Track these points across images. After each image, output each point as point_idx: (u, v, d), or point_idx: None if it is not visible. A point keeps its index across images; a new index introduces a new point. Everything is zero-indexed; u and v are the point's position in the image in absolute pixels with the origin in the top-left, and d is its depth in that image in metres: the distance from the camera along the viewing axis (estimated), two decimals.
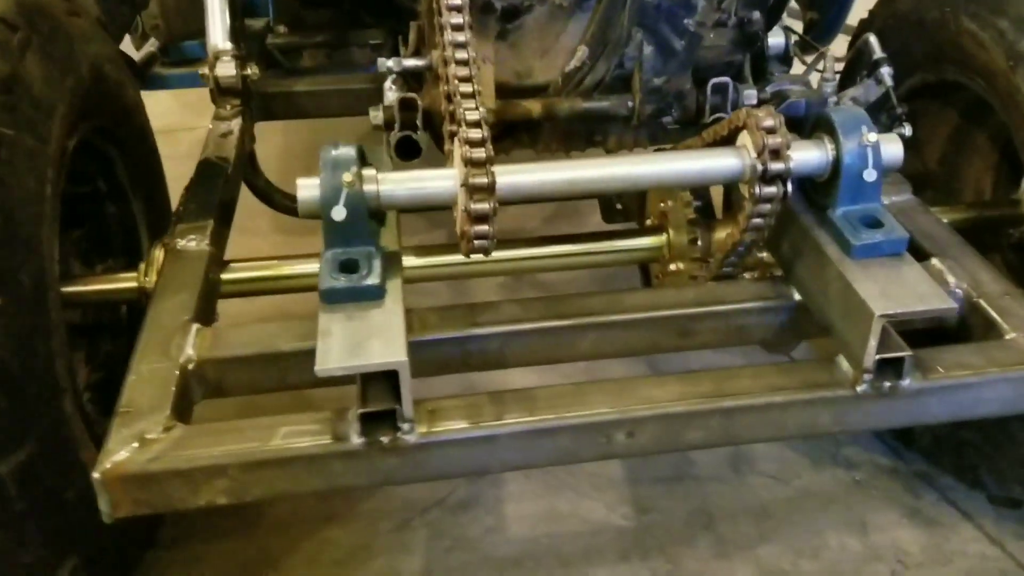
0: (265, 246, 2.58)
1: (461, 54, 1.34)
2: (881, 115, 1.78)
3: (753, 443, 1.37)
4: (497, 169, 1.25)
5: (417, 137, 1.57)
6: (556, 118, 1.63)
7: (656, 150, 1.64)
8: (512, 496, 2.10)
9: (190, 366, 1.29)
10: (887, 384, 1.24)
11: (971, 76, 1.77)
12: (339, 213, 1.21)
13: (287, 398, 1.49)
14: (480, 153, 1.22)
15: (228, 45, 2.04)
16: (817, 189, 1.37)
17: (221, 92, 2.03)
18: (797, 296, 1.45)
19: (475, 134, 1.23)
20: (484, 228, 1.23)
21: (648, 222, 1.94)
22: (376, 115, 1.57)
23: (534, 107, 1.61)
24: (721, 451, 2.25)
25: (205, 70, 2.04)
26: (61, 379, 1.29)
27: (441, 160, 1.57)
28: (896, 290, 1.22)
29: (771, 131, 1.30)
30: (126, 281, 1.57)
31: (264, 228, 2.88)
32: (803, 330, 1.46)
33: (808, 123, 1.41)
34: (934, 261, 1.52)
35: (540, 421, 1.20)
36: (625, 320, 1.41)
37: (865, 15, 2.11)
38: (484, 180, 1.21)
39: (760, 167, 1.28)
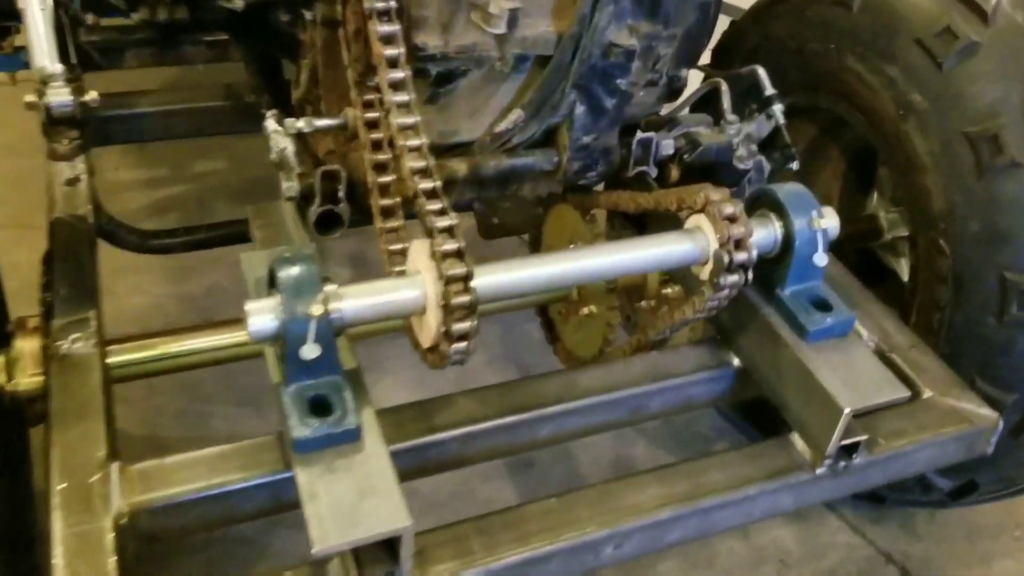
0: None
1: (413, 141, 1.21)
2: (773, 152, 1.83)
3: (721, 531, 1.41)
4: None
5: (340, 209, 1.42)
6: (480, 176, 1.53)
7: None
8: None
9: (123, 521, 1.11)
10: (842, 464, 1.31)
11: (850, 111, 1.85)
12: (311, 351, 1.07)
13: None
14: (460, 268, 1.12)
15: (59, 67, 1.73)
16: (763, 265, 1.39)
17: (54, 123, 1.73)
18: (737, 362, 1.48)
19: (451, 245, 1.13)
20: (463, 345, 1.15)
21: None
22: (290, 186, 1.40)
23: (459, 167, 1.50)
24: (604, 458, 2.32)
25: (32, 98, 1.72)
26: None
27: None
28: (855, 379, 1.28)
29: (733, 219, 1.29)
30: None
31: None
32: (745, 393, 1.50)
33: (750, 196, 1.42)
34: None
35: (532, 549, 1.15)
36: (580, 407, 1.38)
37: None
38: (466, 298, 1.12)
39: (725, 257, 1.28)
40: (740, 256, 1.28)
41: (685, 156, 1.67)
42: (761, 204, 1.39)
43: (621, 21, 1.38)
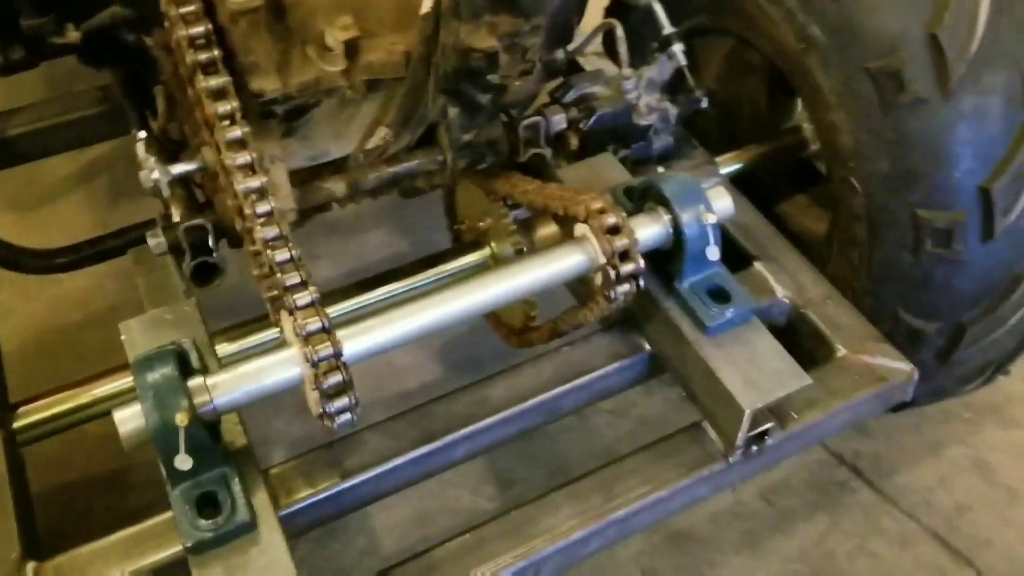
0: None
1: (262, 207, 1.15)
2: (678, 95, 1.75)
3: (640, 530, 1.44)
4: (340, 332, 1.13)
5: (215, 259, 1.36)
6: (361, 190, 1.47)
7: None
8: (378, 510, 2.09)
9: None
10: (755, 448, 1.31)
11: (756, 38, 1.74)
12: (184, 462, 1.05)
13: None
14: (327, 348, 1.08)
15: None
16: (658, 257, 1.34)
17: None
18: (647, 346, 1.46)
19: (314, 324, 1.08)
20: (345, 401, 1.12)
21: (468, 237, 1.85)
22: (158, 243, 1.34)
23: (337, 187, 1.43)
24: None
25: None
26: None
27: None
28: (756, 373, 1.26)
29: (615, 231, 1.24)
30: None
31: None
32: (657, 373, 1.49)
33: (640, 187, 1.36)
34: (757, 266, 1.57)
35: None
36: (494, 423, 1.37)
37: None
38: (338, 379, 1.09)
39: (613, 273, 1.24)
40: (627, 268, 1.24)
41: (581, 125, 1.59)
42: (650, 197, 1.33)
43: (478, 21, 1.27)
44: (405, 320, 1.19)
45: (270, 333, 1.51)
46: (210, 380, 1.10)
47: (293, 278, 1.11)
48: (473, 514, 2.14)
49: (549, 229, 1.75)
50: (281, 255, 1.13)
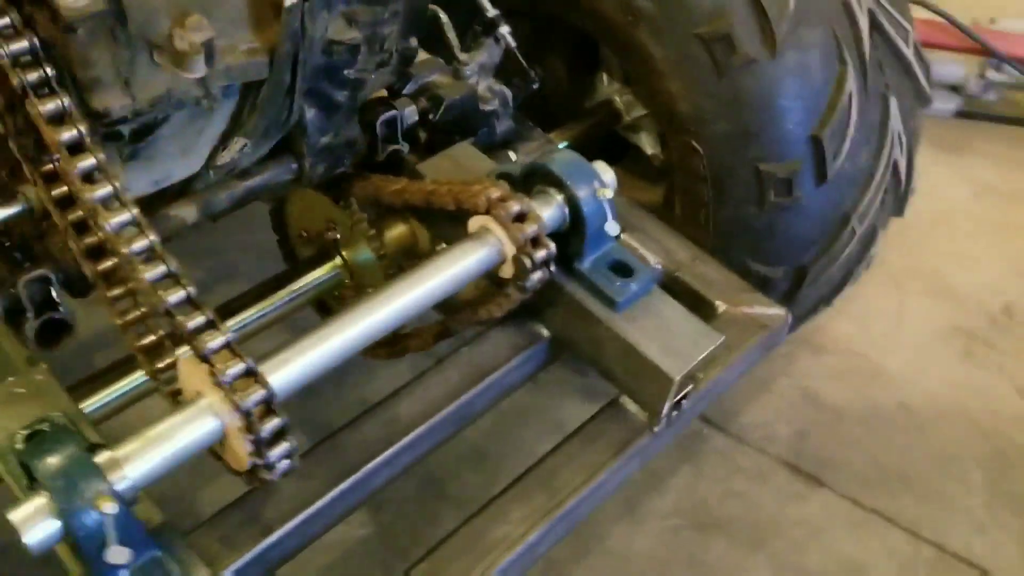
0: None
1: (139, 243, 0.98)
2: (512, 77, 1.73)
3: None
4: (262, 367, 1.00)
5: (62, 314, 1.15)
6: (214, 211, 1.31)
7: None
8: None
9: None
10: (675, 413, 1.33)
11: (578, 17, 1.76)
12: (119, 555, 0.87)
13: None
14: (257, 391, 0.94)
15: None
16: (556, 240, 1.31)
17: None
18: (546, 332, 1.43)
19: (237, 367, 0.94)
20: (286, 445, 0.99)
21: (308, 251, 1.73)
22: None
23: (188, 212, 1.26)
24: None
25: None
26: None
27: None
28: (672, 341, 1.27)
29: (523, 218, 1.20)
30: None
31: None
32: (556, 358, 1.46)
33: (524, 171, 1.31)
34: (624, 237, 1.59)
35: None
36: (408, 443, 1.28)
37: None
38: (276, 422, 0.96)
39: (526, 260, 1.19)
40: (540, 254, 1.20)
41: (431, 116, 1.52)
42: (538, 180, 1.30)
43: (335, 11, 1.17)
44: (325, 344, 1.07)
45: (126, 383, 1.32)
46: (118, 453, 0.93)
47: (196, 319, 0.96)
48: (348, 545, 2.02)
49: (399, 229, 1.67)
50: (175, 296, 0.97)
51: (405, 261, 1.66)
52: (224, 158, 1.22)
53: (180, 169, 1.21)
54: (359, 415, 1.30)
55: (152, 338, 1.12)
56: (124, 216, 0.98)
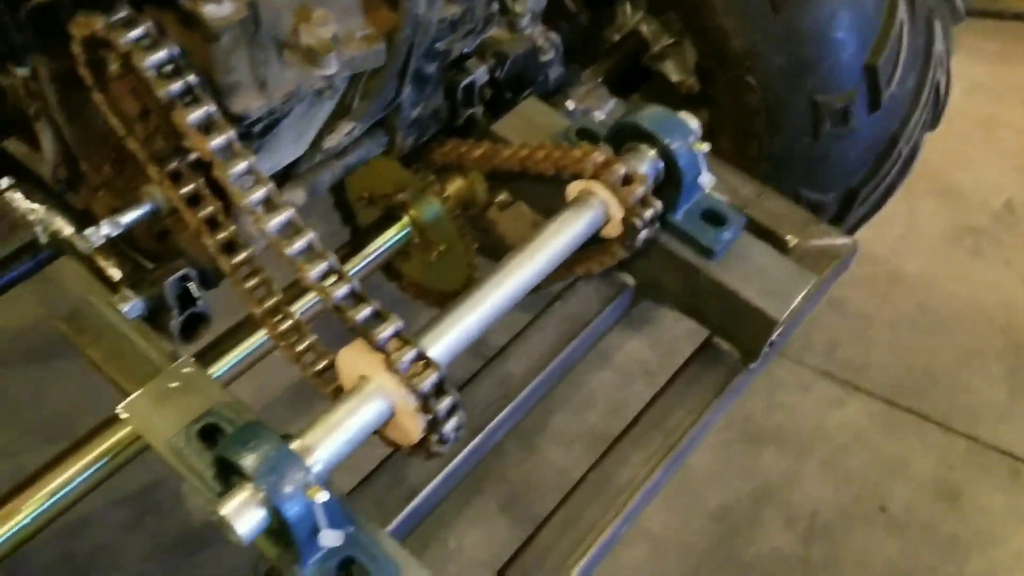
0: None
1: (299, 242, 1.01)
2: (559, 23, 1.74)
3: None
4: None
5: (201, 308, 1.19)
6: (317, 189, 1.33)
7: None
8: None
9: None
10: (767, 350, 1.41)
11: None
12: (334, 538, 0.94)
13: None
14: (431, 375, 1.00)
15: None
16: None
17: None
18: (631, 281, 1.49)
19: (409, 353, 0.99)
20: (456, 419, 1.06)
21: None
22: (132, 306, 1.13)
23: (297, 195, 1.29)
24: None
25: None
26: None
27: None
28: (770, 284, 1.34)
29: (630, 180, 1.24)
30: None
31: None
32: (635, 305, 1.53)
33: (611, 130, 1.35)
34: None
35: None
36: (525, 396, 1.35)
37: None
38: (448, 400, 1.02)
39: (637, 222, 1.24)
40: (648, 213, 1.25)
41: (497, 75, 1.53)
42: (627, 137, 1.33)
43: None
44: (472, 315, 1.13)
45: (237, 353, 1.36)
46: (307, 441, 0.98)
47: (364, 311, 1.00)
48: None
49: (458, 184, 1.70)
50: (340, 290, 1.01)
51: (465, 214, 1.70)
52: (331, 141, 1.24)
53: (289, 155, 1.23)
54: (475, 374, 1.37)
55: (290, 322, 1.16)
56: (282, 217, 1.01)
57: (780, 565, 1.96)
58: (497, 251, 1.79)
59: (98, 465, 1.26)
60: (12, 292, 1.57)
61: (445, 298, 1.83)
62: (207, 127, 0.99)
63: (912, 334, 2.44)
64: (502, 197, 1.74)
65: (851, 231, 1.98)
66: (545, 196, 1.39)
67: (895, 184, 1.91)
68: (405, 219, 1.71)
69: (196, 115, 0.98)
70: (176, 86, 0.97)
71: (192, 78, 0.98)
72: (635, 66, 2.22)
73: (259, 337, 1.39)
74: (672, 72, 2.19)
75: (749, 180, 1.63)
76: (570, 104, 1.69)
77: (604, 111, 1.72)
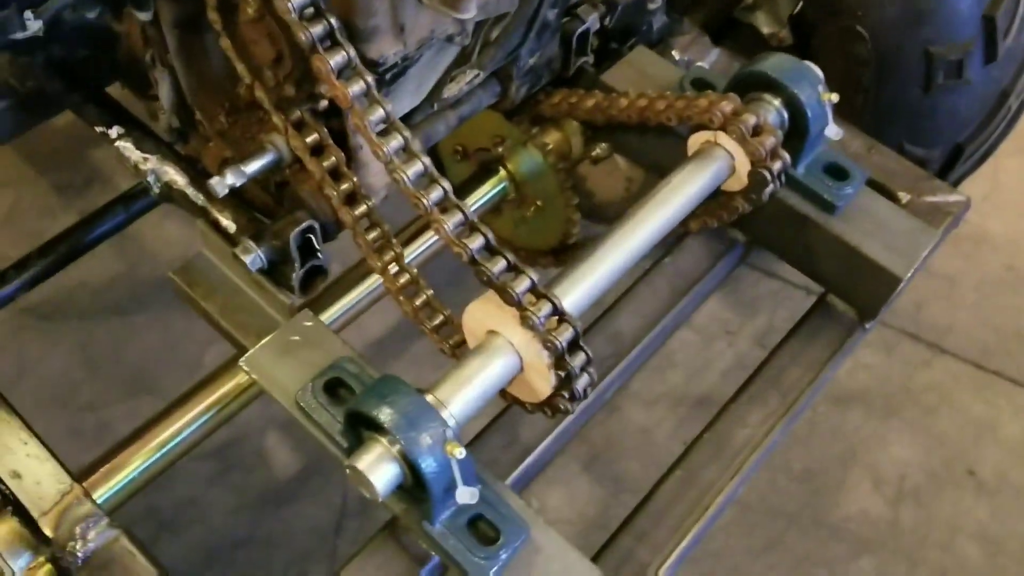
0: None
1: (435, 193, 0.99)
2: None
3: None
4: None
5: (322, 260, 1.17)
6: (432, 139, 1.31)
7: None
8: None
9: None
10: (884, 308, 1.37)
11: None
12: (469, 495, 0.93)
13: None
14: (567, 332, 0.98)
15: None
16: None
17: None
18: (742, 236, 1.46)
19: (546, 308, 0.98)
20: (587, 377, 1.04)
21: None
22: (253, 258, 1.12)
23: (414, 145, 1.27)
24: None
25: None
26: None
27: None
28: (893, 240, 1.30)
29: (759, 132, 1.20)
30: None
31: None
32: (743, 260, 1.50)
33: (733, 80, 1.30)
34: None
35: (693, 526, 1.17)
36: (637, 353, 1.33)
37: None
38: (583, 357, 1.00)
39: (767, 174, 1.20)
40: (777, 166, 1.21)
41: (606, 22, 1.49)
42: (751, 86, 1.29)
43: None
44: (603, 266, 1.10)
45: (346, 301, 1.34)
46: (440, 395, 0.97)
47: (499, 264, 0.98)
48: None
49: (554, 136, 1.66)
50: (476, 243, 0.99)
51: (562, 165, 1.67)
52: (451, 90, 1.21)
53: (407, 104, 1.21)
54: (584, 331, 1.34)
55: (408, 276, 1.15)
56: (418, 167, 0.99)
57: (869, 528, 1.94)
58: (585, 207, 1.77)
59: (206, 417, 1.26)
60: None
61: (540, 254, 1.80)
62: (346, 73, 0.96)
63: (998, 295, 2.38)
64: (598, 151, 1.70)
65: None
66: (657, 148, 1.36)
67: (999, 141, 1.84)
68: (502, 173, 1.68)
69: (336, 60, 0.96)
70: (317, 29, 0.94)
71: (334, 21, 0.95)
72: (725, 18, 2.16)
73: (359, 292, 1.38)
74: (764, 23, 2.12)
75: (859, 133, 1.58)
76: (676, 54, 1.64)
77: (708, 62, 1.67)
